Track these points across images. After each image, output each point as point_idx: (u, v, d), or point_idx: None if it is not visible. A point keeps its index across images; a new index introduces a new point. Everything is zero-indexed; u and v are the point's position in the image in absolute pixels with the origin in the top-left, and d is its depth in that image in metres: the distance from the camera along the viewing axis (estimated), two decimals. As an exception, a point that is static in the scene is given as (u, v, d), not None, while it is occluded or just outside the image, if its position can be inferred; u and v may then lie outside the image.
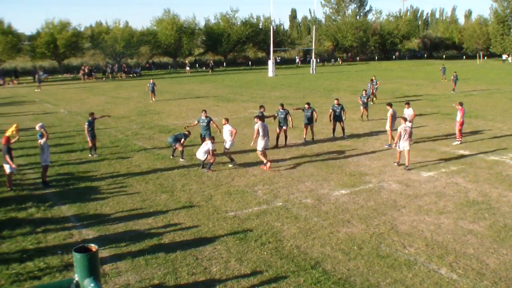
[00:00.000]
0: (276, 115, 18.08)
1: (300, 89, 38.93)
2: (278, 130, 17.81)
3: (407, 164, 14.31)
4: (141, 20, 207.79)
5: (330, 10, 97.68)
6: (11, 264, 8.59)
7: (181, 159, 15.87)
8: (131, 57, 70.30)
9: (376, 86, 29.71)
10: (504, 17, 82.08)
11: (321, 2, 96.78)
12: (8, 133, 14.69)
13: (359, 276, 7.94)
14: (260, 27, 79.35)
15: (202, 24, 77.59)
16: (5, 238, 9.78)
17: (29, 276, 8.21)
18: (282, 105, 18.18)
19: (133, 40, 65.68)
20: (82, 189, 13.08)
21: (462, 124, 17.65)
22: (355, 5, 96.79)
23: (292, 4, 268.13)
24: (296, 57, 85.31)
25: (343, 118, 19.29)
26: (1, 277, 8.16)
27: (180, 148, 15.88)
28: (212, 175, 14.18)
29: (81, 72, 56.67)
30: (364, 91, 23.30)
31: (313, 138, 18.78)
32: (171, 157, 16.27)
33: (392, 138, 16.84)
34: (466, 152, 16.35)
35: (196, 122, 17.02)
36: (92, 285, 2.50)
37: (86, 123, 16.56)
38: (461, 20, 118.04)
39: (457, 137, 17.76)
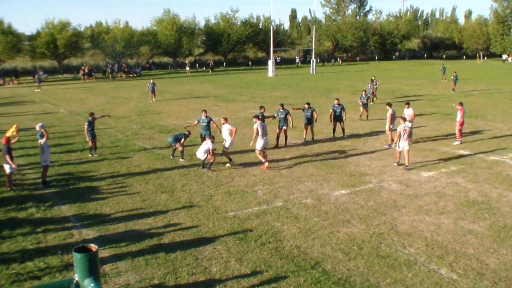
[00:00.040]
0: (276, 115, 18.09)
1: (300, 89, 38.93)
2: (278, 130, 17.81)
3: (407, 164, 14.31)
4: (141, 20, 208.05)
5: (330, 10, 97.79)
6: (11, 264, 8.60)
7: (181, 159, 15.87)
8: (131, 57, 70.30)
9: (375, 86, 29.74)
10: (504, 17, 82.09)
11: (321, 2, 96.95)
12: (8, 134, 14.69)
13: (359, 276, 7.95)
14: (260, 27, 79.36)
15: (202, 24, 77.76)
16: (5, 238, 9.78)
17: (29, 276, 8.21)
18: (282, 105, 18.18)
19: (133, 40, 65.70)
20: (82, 189, 13.08)
21: (462, 124, 17.65)
22: (355, 5, 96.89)
23: (292, 4, 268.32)
24: (296, 57, 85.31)
25: (344, 118, 19.29)
26: (1, 277, 8.16)
27: (180, 148, 15.88)
28: (212, 175, 14.18)
29: (81, 72, 56.68)
30: (363, 92, 23.31)
31: (313, 138, 18.79)
32: (171, 157, 16.27)
33: (392, 138, 16.86)
34: (466, 152, 16.35)
35: (196, 122, 17.02)
36: (92, 285, 2.50)
37: (86, 123, 16.57)
38: (461, 20, 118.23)
39: (457, 137, 17.76)
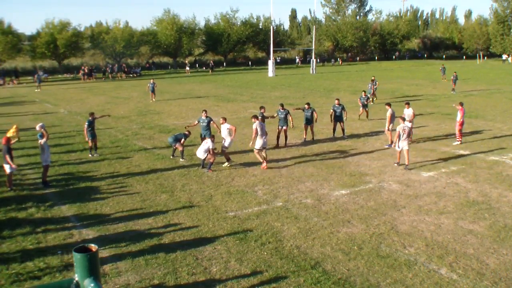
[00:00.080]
0: (276, 115, 18.09)
1: (300, 89, 38.94)
2: (278, 130, 17.81)
3: (407, 163, 14.33)
4: (141, 20, 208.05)
5: (330, 10, 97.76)
6: (11, 264, 8.60)
7: (181, 159, 15.87)
8: (131, 57, 70.29)
9: (375, 86, 29.77)
10: (504, 17, 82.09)
11: (321, 2, 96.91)
12: (9, 134, 14.71)
13: (359, 276, 7.94)
14: (260, 27, 79.35)
15: (202, 24, 77.73)
16: (5, 238, 9.78)
17: (29, 276, 8.21)
18: (282, 105, 18.18)
19: (133, 40, 65.68)
20: (82, 189, 13.08)
21: (462, 124, 17.65)
22: (355, 5, 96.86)
23: (292, 4, 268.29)
24: (296, 57, 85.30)
25: (344, 118, 19.30)
26: (1, 277, 8.16)
27: (180, 148, 15.88)
28: (212, 175, 14.18)
29: (81, 72, 56.67)
30: (363, 92, 23.32)
31: (313, 138, 18.79)
32: (171, 157, 16.27)
33: (392, 139, 16.86)
34: (466, 152, 16.35)
35: (197, 122, 17.03)
36: (92, 285, 2.50)
37: (86, 123, 16.58)
38: (461, 20, 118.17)
39: (457, 137, 17.76)
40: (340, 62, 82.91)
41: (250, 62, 78.74)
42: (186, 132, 16.27)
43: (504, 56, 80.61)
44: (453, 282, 7.72)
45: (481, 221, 10.23)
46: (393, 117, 17.40)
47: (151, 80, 33.89)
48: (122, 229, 10.14)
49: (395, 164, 14.74)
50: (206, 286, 7.78)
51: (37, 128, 14.37)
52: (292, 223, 10.27)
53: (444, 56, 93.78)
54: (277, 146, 17.68)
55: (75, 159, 16.44)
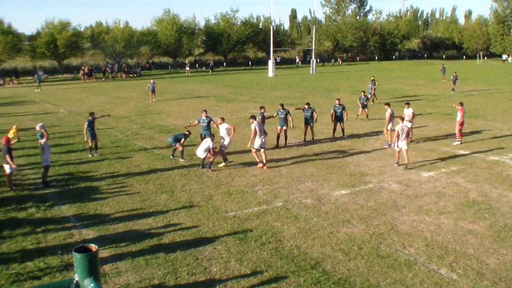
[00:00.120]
0: (276, 114, 18.08)
1: (300, 89, 38.94)
2: (278, 130, 17.81)
3: (406, 162, 14.37)
4: (141, 20, 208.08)
5: (330, 10, 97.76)
6: (11, 264, 8.60)
7: (181, 159, 15.87)
8: (131, 57, 70.28)
9: (374, 87, 29.79)
10: (504, 17, 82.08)
11: (321, 2, 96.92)
12: (9, 135, 14.72)
13: (359, 276, 7.94)
14: (260, 27, 79.36)
15: (202, 24, 77.75)
16: (5, 238, 9.78)
17: (29, 276, 8.21)
18: (282, 105, 18.18)
19: (133, 40, 65.68)
20: (82, 189, 13.08)
21: (462, 124, 17.65)
22: (355, 5, 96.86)
23: (292, 4, 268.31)
24: (296, 57, 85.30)
25: (345, 118, 19.30)
26: (1, 277, 8.16)
27: (180, 148, 15.88)
28: (212, 175, 14.18)
29: (81, 72, 56.68)
30: (362, 93, 23.31)
31: (313, 138, 18.79)
32: (171, 157, 16.27)
33: (391, 138, 16.87)
34: (466, 152, 16.35)
35: (197, 122, 17.03)
36: (92, 285, 2.49)
37: (86, 123, 16.59)
38: (461, 20, 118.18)
39: (457, 137, 17.77)
40: (340, 62, 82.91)
41: (250, 62, 78.74)
42: (186, 132, 16.27)
43: (504, 56, 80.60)
44: (453, 282, 7.72)
45: (481, 221, 10.23)
46: (392, 117, 17.41)
47: (151, 80, 33.90)
48: (122, 229, 10.14)
49: (395, 164, 14.75)
50: (206, 286, 7.78)
51: (37, 128, 14.38)
52: (292, 223, 10.27)
53: (444, 56, 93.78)
54: (277, 146, 17.68)
55: (75, 159, 16.44)
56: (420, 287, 7.61)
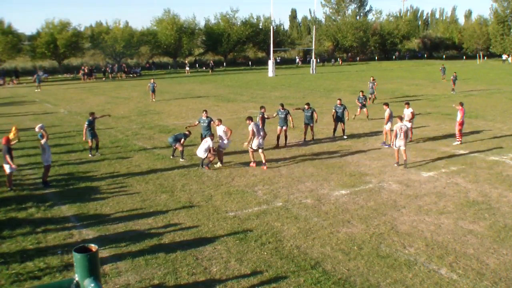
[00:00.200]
0: (276, 114, 18.08)
1: (300, 89, 38.93)
2: (278, 130, 17.81)
3: (405, 159, 14.44)
4: (141, 20, 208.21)
5: (330, 10, 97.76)
6: (11, 264, 8.60)
7: (181, 159, 15.87)
8: (131, 57, 70.27)
9: (375, 86, 29.79)
10: (504, 17, 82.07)
11: (321, 2, 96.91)
12: (10, 136, 14.73)
13: (359, 276, 7.94)
14: (260, 27, 79.34)
15: (202, 24, 77.71)
16: (5, 238, 9.78)
17: (29, 276, 8.21)
18: (282, 105, 18.18)
19: (133, 40, 65.66)
20: (82, 189, 13.08)
21: (462, 124, 17.65)
22: (355, 5, 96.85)
23: (292, 4, 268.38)
24: (296, 57, 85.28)
25: (346, 118, 19.29)
26: (1, 277, 8.16)
27: (180, 148, 15.88)
28: (212, 175, 14.18)
29: (81, 72, 56.68)
30: (361, 92, 23.30)
31: (313, 138, 18.79)
32: (171, 157, 16.27)
33: (390, 138, 16.89)
34: (466, 152, 16.35)
35: (197, 122, 17.03)
36: (92, 285, 2.49)
37: (86, 123, 16.58)
38: (461, 20, 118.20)
39: (457, 137, 17.77)
40: (340, 62, 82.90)
41: (250, 62, 78.73)
42: (186, 132, 16.28)
43: (504, 56, 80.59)
44: (453, 282, 7.72)
45: (481, 221, 10.23)
46: (391, 117, 17.42)
47: (152, 80, 33.90)
48: (122, 229, 10.14)
49: (395, 164, 14.75)
50: (206, 286, 7.78)
51: (36, 129, 14.39)
52: (292, 223, 10.27)
53: (444, 56, 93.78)
54: (277, 146, 17.68)
55: (75, 159, 16.44)
56: (420, 287, 7.61)
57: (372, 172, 14.15)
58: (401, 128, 14.35)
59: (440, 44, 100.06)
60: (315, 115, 18.46)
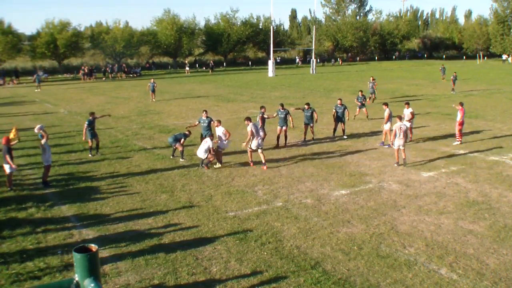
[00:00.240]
0: (276, 114, 18.08)
1: (300, 89, 38.93)
2: (278, 130, 17.81)
3: (404, 157, 14.46)
4: (141, 20, 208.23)
5: (330, 10, 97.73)
6: (11, 264, 8.60)
7: (181, 159, 15.88)
8: (131, 57, 70.26)
9: (375, 86, 29.81)
10: (504, 17, 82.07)
11: (321, 2, 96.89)
12: (10, 136, 14.72)
13: (359, 276, 7.94)
14: (260, 27, 79.35)
15: (202, 24, 77.70)
16: (5, 238, 9.78)
17: (29, 276, 8.21)
18: (282, 105, 18.18)
19: (133, 40, 65.65)
20: (82, 189, 13.08)
21: (462, 124, 17.65)
22: (355, 5, 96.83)
23: (292, 4, 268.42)
24: (296, 57, 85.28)
25: (347, 118, 19.29)
26: (1, 277, 8.16)
27: (180, 148, 15.88)
28: (212, 175, 14.18)
29: (81, 72, 56.68)
30: (360, 92, 23.30)
31: (313, 138, 18.79)
32: (171, 157, 16.27)
33: (390, 138, 16.90)
34: (466, 152, 16.35)
35: (197, 122, 17.03)
36: (92, 285, 2.49)
37: (86, 122, 16.59)
38: (461, 20, 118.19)
39: (457, 137, 17.77)
40: (340, 62, 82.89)
41: (250, 62, 78.73)
42: (186, 132, 16.28)
43: (504, 56, 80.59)
44: (453, 282, 7.72)
45: (481, 221, 10.23)
46: (390, 117, 17.42)
47: (152, 80, 33.89)
48: (122, 229, 10.14)
49: (395, 164, 14.75)
50: (206, 286, 7.78)
51: (36, 130, 14.39)
52: (292, 223, 10.27)
53: (444, 56, 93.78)
54: (277, 146, 17.68)
55: (75, 159, 16.43)
56: (420, 287, 7.61)
57: (372, 172, 14.15)
58: (400, 127, 14.38)
59: (440, 44, 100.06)
60: (315, 115, 18.46)
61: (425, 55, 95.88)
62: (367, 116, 23.13)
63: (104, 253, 8.85)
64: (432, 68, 62.67)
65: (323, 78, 50.34)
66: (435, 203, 11.40)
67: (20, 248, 9.27)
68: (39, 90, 42.75)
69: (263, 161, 14.76)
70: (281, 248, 9.05)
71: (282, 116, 17.60)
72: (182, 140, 15.87)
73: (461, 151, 16.52)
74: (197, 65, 74.39)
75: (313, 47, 64.56)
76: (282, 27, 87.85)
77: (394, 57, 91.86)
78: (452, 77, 34.85)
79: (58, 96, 37.68)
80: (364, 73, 55.72)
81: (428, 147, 17.25)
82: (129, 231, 10.02)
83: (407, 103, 18.16)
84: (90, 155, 16.68)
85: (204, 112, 16.82)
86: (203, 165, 14.81)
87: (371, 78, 30.38)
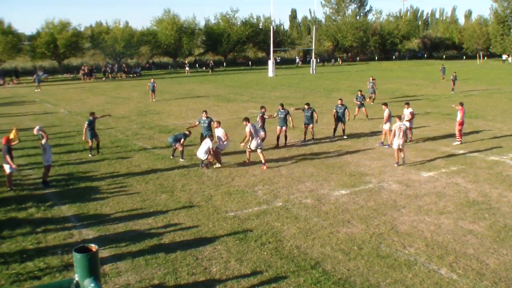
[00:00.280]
0: (276, 114, 18.08)
1: (300, 89, 38.93)
2: (278, 130, 17.81)
3: (403, 157, 14.52)
4: (141, 20, 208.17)
5: (330, 10, 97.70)
6: (11, 264, 8.60)
7: (181, 159, 15.88)
8: (131, 57, 70.27)
9: (375, 86, 29.81)
10: (504, 17, 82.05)
11: (321, 2, 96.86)
12: (11, 137, 14.72)
13: (359, 276, 7.94)
14: (260, 27, 79.36)
15: (202, 24, 77.70)
16: (5, 238, 9.79)
17: (29, 276, 8.21)
18: (282, 105, 18.18)
19: (133, 40, 65.65)
20: (82, 189, 13.08)
21: (462, 124, 17.65)
22: (355, 5, 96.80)
23: (292, 4, 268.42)
24: (296, 57, 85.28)
25: (347, 118, 19.29)
26: (1, 277, 8.16)
27: (180, 148, 15.89)
28: (212, 175, 14.18)
29: (81, 72, 56.69)
30: (359, 92, 23.29)
31: (313, 138, 18.79)
32: (171, 157, 16.27)
33: (389, 139, 16.91)
34: (466, 152, 16.35)
35: (197, 122, 17.04)
36: (92, 285, 2.50)
37: (86, 122, 16.59)
38: (461, 20, 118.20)
39: (457, 137, 17.77)
40: (340, 62, 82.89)
41: (250, 62, 78.74)
42: (186, 132, 16.28)
43: (504, 56, 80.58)
44: (453, 282, 7.72)
45: (481, 221, 10.23)
46: (390, 117, 17.43)
47: (152, 80, 33.89)
48: (122, 229, 10.14)
49: (395, 165, 14.76)
50: (206, 286, 7.78)
51: (35, 132, 14.41)
52: (292, 223, 10.27)
53: (444, 56, 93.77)
54: (277, 146, 17.68)
55: (75, 159, 16.44)
56: (420, 287, 7.61)
57: (372, 172, 14.15)
58: (399, 127, 14.39)
59: (440, 44, 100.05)
60: (315, 115, 18.46)
61: (425, 55, 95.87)
62: (367, 116, 23.13)
63: (104, 253, 8.85)
64: (432, 68, 62.66)
65: (323, 78, 50.34)
66: (435, 203, 11.40)
67: (20, 248, 9.27)
68: (39, 90, 42.75)
69: (263, 161, 14.77)
70: (281, 248, 9.05)
71: (282, 116, 17.60)
72: (182, 140, 15.88)
73: (461, 151, 16.52)
74: (197, 65, 74.39)
75: (313, 47, 64.56)
76: (282, 27, 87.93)
77: (394, 57, 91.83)
78: (452, 77, 34.84)
79: (58, 96, 37.68)
80: (364, 73, 55.72)
81: (428, 147, 17.25)
82: (129, 231, 10.02)
83: (407, 103, 18.17)
84: (90, 155, 16.68)
85: (204, 113, 16.82)
86: (203, 165, 14.84)
87: (371, 78, 30.38)
